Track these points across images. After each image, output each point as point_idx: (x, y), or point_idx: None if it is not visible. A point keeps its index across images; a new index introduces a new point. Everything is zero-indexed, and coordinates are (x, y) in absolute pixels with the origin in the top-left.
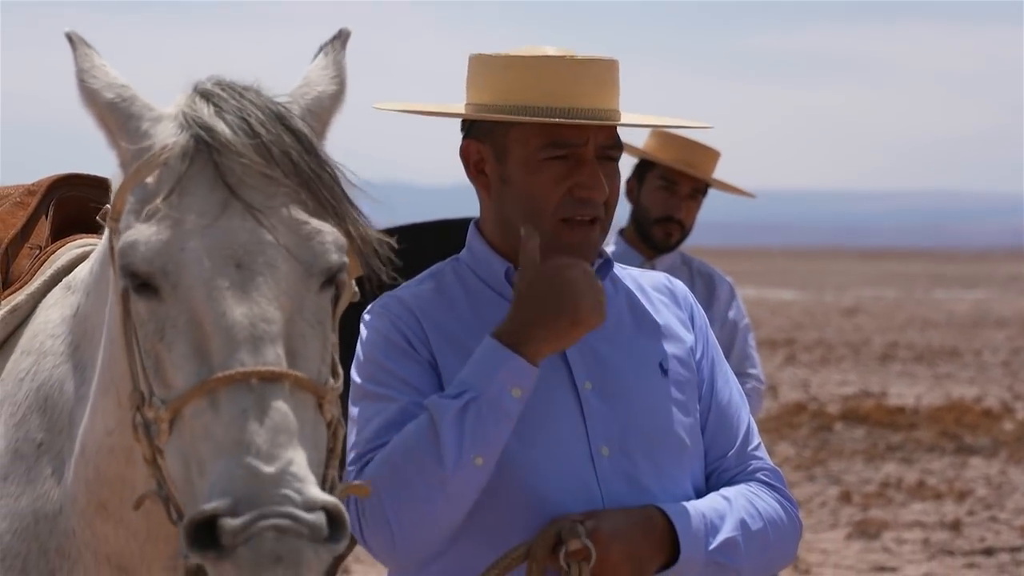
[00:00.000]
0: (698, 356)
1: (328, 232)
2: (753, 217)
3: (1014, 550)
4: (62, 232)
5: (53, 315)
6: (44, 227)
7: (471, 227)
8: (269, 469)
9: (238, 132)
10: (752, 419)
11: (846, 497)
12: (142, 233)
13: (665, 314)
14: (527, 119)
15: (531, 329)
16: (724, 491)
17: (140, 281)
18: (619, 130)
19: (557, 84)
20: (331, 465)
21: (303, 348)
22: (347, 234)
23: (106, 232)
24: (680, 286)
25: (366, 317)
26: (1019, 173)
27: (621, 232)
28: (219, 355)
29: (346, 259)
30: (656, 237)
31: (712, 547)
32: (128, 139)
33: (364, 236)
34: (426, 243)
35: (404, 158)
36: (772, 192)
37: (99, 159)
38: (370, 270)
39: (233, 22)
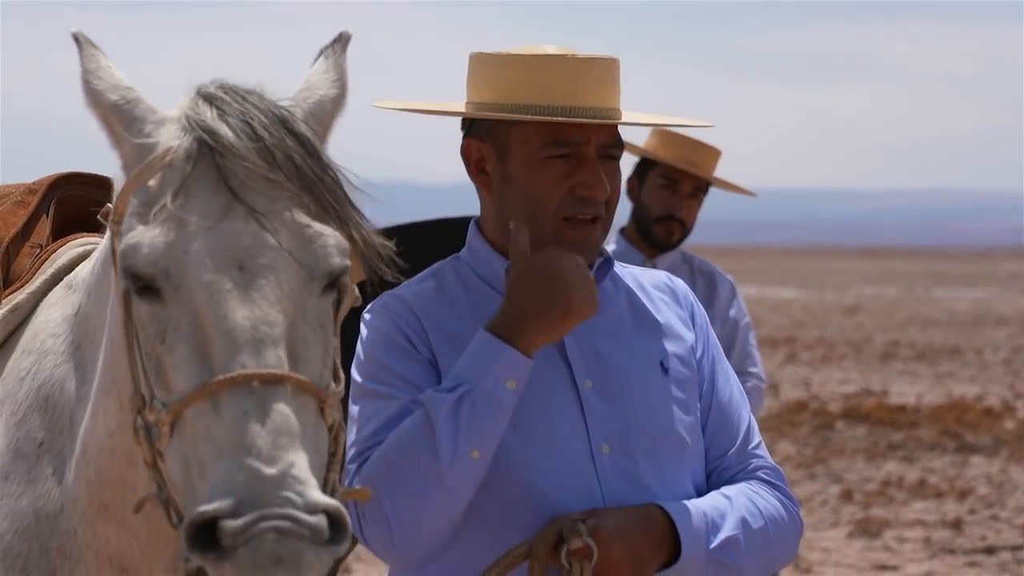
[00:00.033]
0: (699, 355)
1: (331, 236)
2: (754, 216)
3: (1015, 548)
4: (63, 231)
5: (54, 314)
6: (45, 226)
7: (471, 226)
8: (270, 471)
9: (241, 135)
10: (753, 417)
11: (847, 496)
12: (145, 235)
13: (666, 312)
14: (530, 118)
15: (523, 321)
16: (725, 490)
17: (142, 283)
18: (620, 129)
19: (559, 83)
20: (332, 469)
21: (305, 352)
22: (349, 238)
23: (108, 234)
24: (680, 284)
25: (366, 316)
26: (1019, 172)
27: (622, 231)
28: (221, 358)
29: (348, 263)
30: (657, 236)
31: (713, 546)
32: (131, 141)
33: (366, 240)
34: (427, 242)
35: (404, 157)
36: (773, 191)
37: (99, 158)
38: (372, 273)
39: (233, 22)
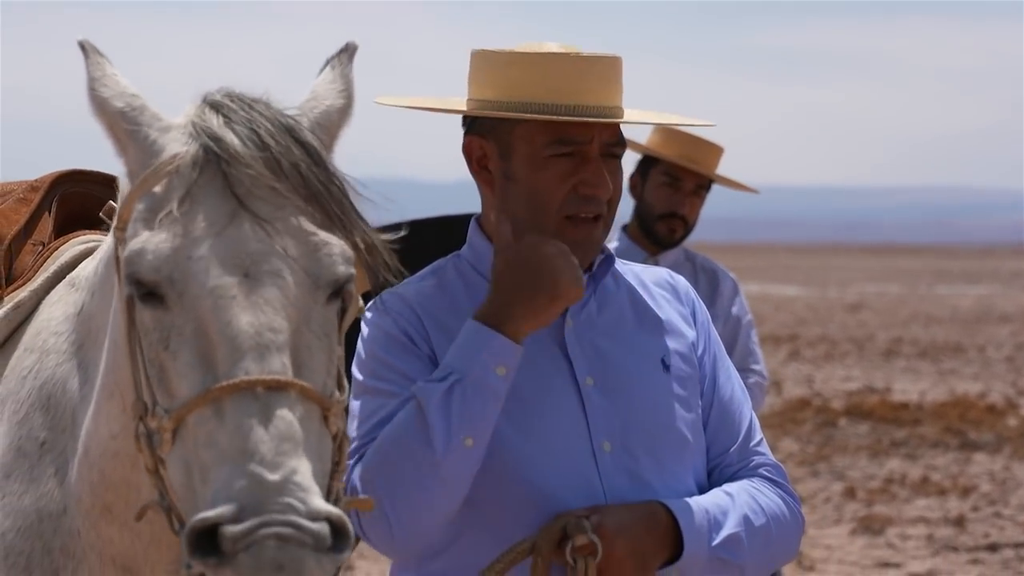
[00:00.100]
0: (700, 352)
1: (336, 244)
2: (756, 213)
3: (1018, 546)
4: (65, 228)
5: (56, 312)
6: (47, 223)
7: (472, 223)
8: (273, 477)
9: (247, 143)
10: (754, 414)
11: (850, 493)
12: (149, 241)
13: (667, 310)
14: (535, 116)
15: (511, 307)
16: (727, 487)
17: (146, 290)
18: (622, 127)
19: (562, 81)
20: (336, 478)
21: (309, 360)
22: (355, 247)
23: (111, 239)
24: (682, 281)
25: (367, 314)
26: (1020, 169)
27: (624, 228)
28: (224, 364)
29: (353, 271)
30: (660, 233)
31: (715, 543)
32: (136, 148)
33: (372, 250)
34: (428, 239)
35: (406, 154)
36: (775, 188)
37: (101, 155)
38: (377, 282)
39: (234, 19)
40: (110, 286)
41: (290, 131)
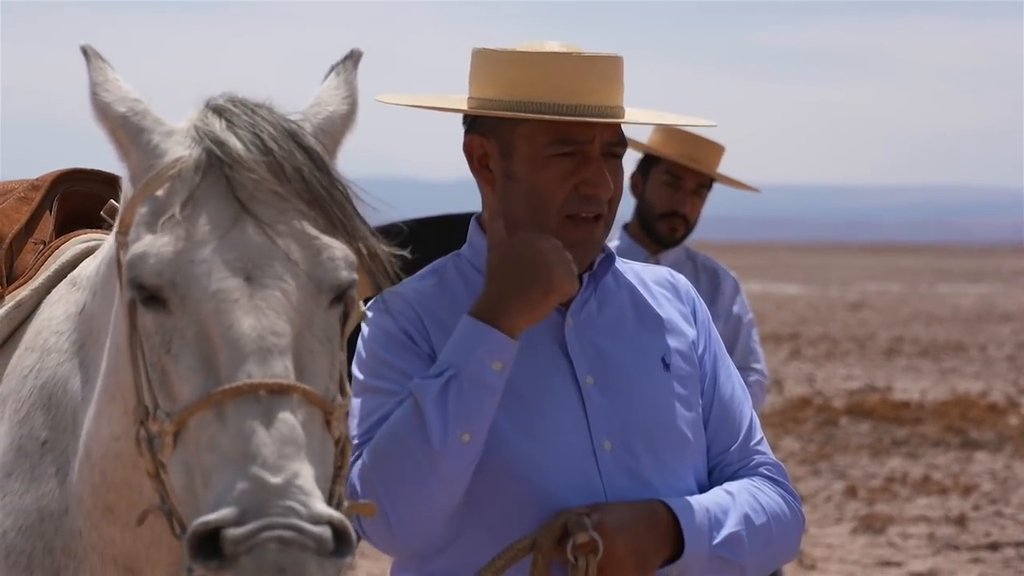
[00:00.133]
0: (700, 350)
1: (338, 249)
2: (757, 212)
3: (1019, 544)
4: (66, 227)
5: (57, 311)
6: (48, 222)
7: (473, 222)
8: (275, 480)
9: (250, 148)
10: (755, 413)
11: (851, 492)
12: (152, 245)
13: (667, 308)
14: (537, 116)
15: (505, 302)
16: (727, 486)
17: (148, 294)
18: (623, 126)
19: (564, 80)
20: (339, 482)
21: (311, 364)
22: (357, 252)
23: (113, 242)
24: (682, 280)
25: (368, 314)
26: (1020, 168)
27: (625, 227)
28: (227, 367)
29: (356, 276)
30: (661, 232)
31: (716, 542)
32: (139, 153)
33: (374, 254)
34: (428, 238)
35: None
36: (776, 187)
37: (101, 154)
38: (379, 287)
39: (233, 20)
40: (111, 287)
41: (293, 136)
